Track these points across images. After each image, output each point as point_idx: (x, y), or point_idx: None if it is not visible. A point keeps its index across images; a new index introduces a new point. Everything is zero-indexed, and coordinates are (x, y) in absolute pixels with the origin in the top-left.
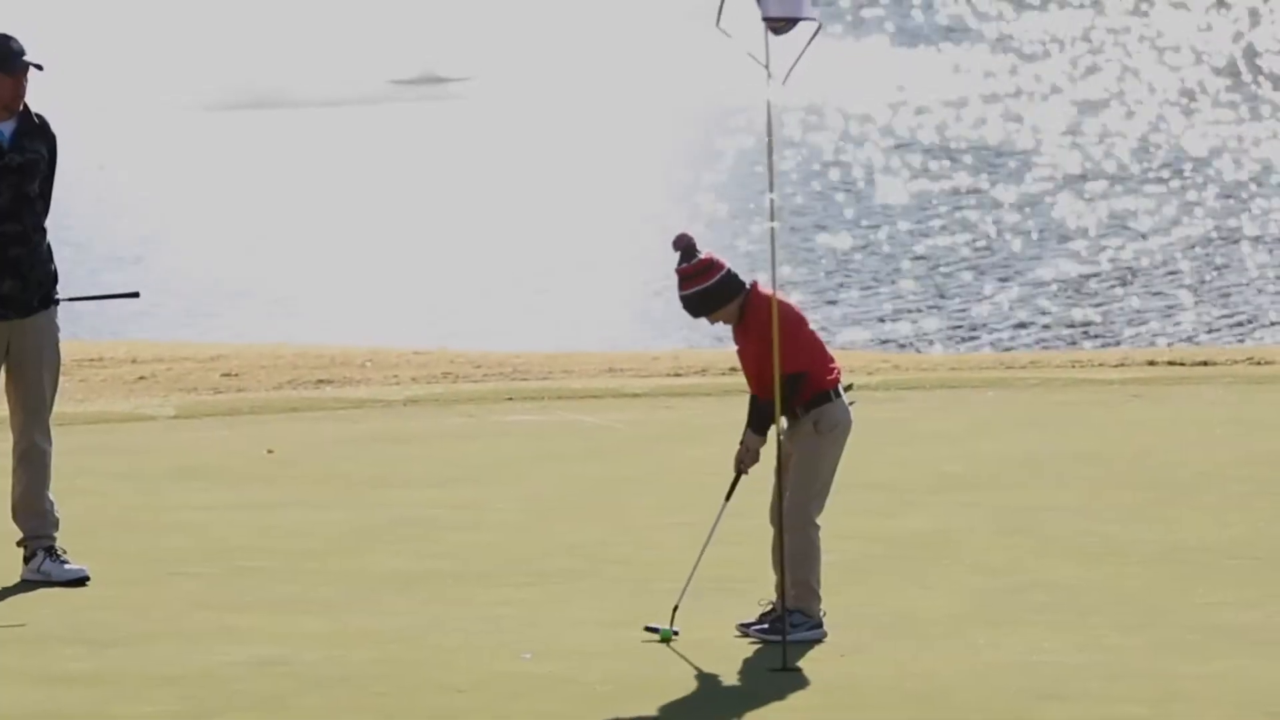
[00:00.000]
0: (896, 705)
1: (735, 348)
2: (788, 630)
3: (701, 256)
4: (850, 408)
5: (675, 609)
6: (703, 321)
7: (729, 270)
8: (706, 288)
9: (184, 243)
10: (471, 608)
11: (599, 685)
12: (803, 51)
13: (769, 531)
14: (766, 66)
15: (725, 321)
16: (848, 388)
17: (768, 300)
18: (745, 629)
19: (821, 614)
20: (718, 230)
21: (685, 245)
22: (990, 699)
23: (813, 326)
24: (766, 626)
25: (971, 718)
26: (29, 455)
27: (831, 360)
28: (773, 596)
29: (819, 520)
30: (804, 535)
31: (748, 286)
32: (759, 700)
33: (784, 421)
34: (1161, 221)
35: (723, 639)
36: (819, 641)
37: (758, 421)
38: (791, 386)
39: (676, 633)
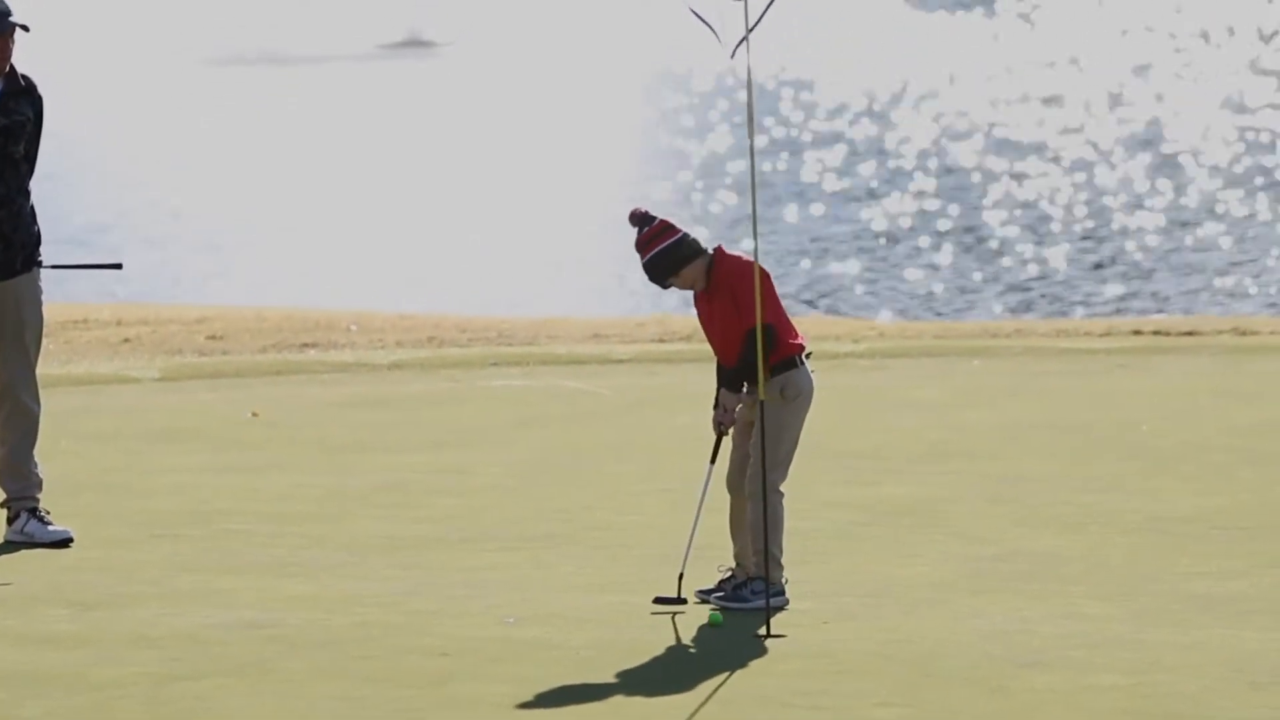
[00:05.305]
0: (879, 672)
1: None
2: (748, 597)
3: (658, 220)
4: (812, 375)
5: (680, 576)
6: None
7: (686, 233)
8: (666, 248)
9: (170, 201)
10: (455, 572)
11: (582, 650)
12: (752, 27)
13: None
14: (718, 37)
15: (690, 286)
16: (807, 356)
17: (737, 260)
18: (704, 596)
19: (784, 581)
20: (704, 194)
21: (640, 216)
22: (973, 667)
23: (796, 294)
24: (724, 594)
25: (954, 685)
26: (13, 416)
27: (794, 328)
28: (731, 563)
29: (782, 488)
30: (767, 503)
31: (710, 251)
32: (743, 666)
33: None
34: (1150, 192)
35: (707, 606)
36: (782, 609)
37: (730, 380)
38: (765, 338)
39: (684, 600)
